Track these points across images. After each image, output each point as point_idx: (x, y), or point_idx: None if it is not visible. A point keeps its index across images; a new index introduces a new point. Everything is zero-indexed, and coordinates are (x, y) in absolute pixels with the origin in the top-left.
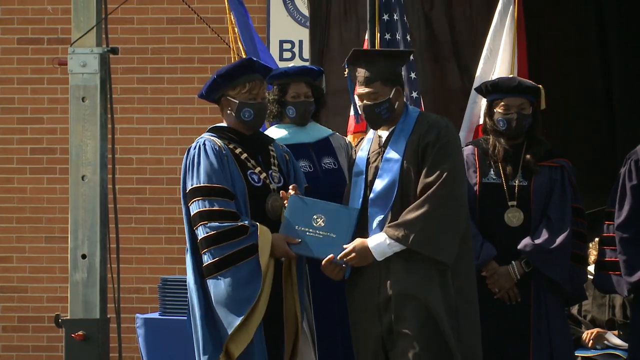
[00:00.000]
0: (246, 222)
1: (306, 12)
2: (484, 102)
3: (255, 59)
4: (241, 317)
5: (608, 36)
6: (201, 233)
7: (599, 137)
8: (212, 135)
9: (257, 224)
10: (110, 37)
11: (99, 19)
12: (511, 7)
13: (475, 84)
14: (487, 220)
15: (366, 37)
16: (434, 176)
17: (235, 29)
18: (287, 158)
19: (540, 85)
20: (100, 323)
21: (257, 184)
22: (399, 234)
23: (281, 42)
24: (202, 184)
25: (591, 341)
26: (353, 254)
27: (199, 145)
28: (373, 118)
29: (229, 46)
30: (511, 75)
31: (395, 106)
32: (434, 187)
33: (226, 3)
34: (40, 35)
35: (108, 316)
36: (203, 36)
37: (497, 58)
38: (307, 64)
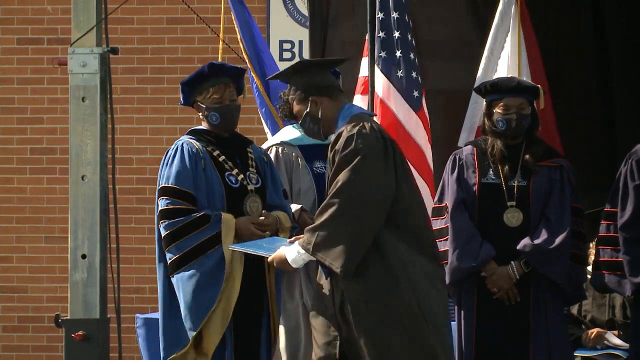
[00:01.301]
0: (208, 212)
1: (306, 12)
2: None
3: (217, 63)
4: (205, 317)
5: (607, 34)
6: (163, 230)
7: (598, 137)
8: (190, 138)
9: (221, 212)
10: (110, 37)
11: (99, 19)
12: (513, 6)
13: (476, 84)
14: (486, 220)
15: (367, 37)
16: (333, 185)
17: (237, 30)
18: (265, 160)
19: (539, 85)
20: (100, 323)
21: (234, 185)
22: (303, 242)
23: (281, 42)
24: (170, 185)
25: (591, 341)
26: (274, 263)
27: (177, 147)
28: (309, 133)
29: (229, 46)
30: (510, 75)
31: (319, 116)
32: (329, 196)
33: (223, 3)
34: (40, 35)
35: (108, 316)
36: (203, 36)
37: (499, 59)
38: None
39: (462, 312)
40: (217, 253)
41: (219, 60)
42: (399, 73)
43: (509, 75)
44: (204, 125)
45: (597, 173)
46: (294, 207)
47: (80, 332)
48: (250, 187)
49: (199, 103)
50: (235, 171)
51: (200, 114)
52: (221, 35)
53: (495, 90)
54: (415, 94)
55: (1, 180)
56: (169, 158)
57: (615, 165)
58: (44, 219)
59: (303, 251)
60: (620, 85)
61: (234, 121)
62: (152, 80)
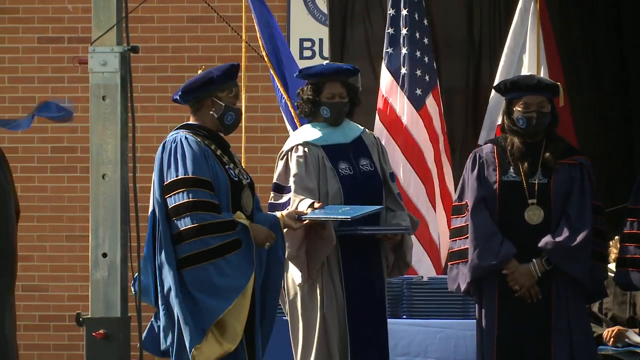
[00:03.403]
0: (234, 218)
1: (326, 11)
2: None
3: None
4: (229, 305)
5: (624, 28)
6: (189, 223)
7: (614, 134)
8: (188, 132)
9: (239, 220)
10: (131, 36)
11: (119, 18)
12: (532, 4)
13: (496, 83)
14: (507, 218)
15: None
16: None
17: (256, 28)
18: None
19: (559, 83)
20: (121, 322)
21: (235, 178)
22: None
23: (301, 41)
24: (189, 175)
25: (612, 339)
26: None
27: (180, 139)
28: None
29: (249, 45)
30: (530, 73)
31: None
32: None
33: (244, 2)
34: (61, 34)
35: (129, 315)
36: (223, 35)
37: (518, 57)
38: (327, 62)
39: (483, 310)
40: (240, 253)
41: (243, 58)
42: (403, 70)
43: (529, 74)
44: (199, 122)
45: (612, 169)
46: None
47: (101, 331)
48: (245, 181)
49: (216, 100)
50: (232, 165)
51: (212, 110)
52: (243, 35)
53: (515, 88)
54: (419, 92)
55: (22, 179)
56: (173, 151)
57: (632, 164)
58: (65, 217)
59: None
60: (636, 80)
61: (239, 124)
62: (173, 79)
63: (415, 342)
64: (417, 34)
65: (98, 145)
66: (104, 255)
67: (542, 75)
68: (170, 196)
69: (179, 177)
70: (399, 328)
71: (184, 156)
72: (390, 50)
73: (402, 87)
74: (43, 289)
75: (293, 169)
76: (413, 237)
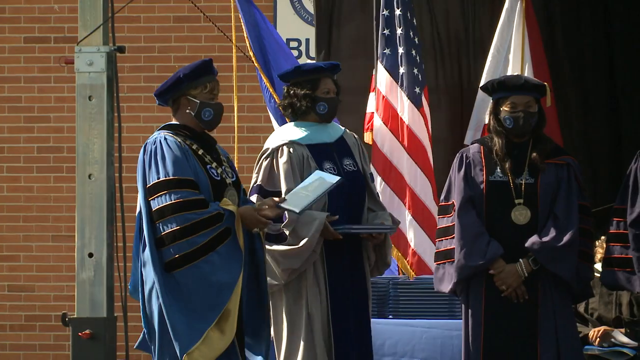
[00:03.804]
0: (220, 209)
1: (313, 11)
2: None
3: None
4: (225, 304)
5: (612, 32)
6: (173, 225)
7: (603, 134)
8: (169, 132)
9: (227, 208)
10: (117, 36)
11: (106, 18)
12: (518, 4)
13: (482, 82)
14: (493, 218)
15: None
16: None
17: (244, 29)
18: (230, 159)
19: (546, 83)
20: (107, 322)
21: (216, 177)
22: None
23: (288, 41)
24: (170, 177)
25: (598, 339)
26: None
27: (159, 140)
28: None
29: (233, 43)
30: (517, 73)
31: None
32: None
33: (232, 2)
34: (47, 34)
35: (115, 315)
36: (210, 34)
37: (504, 57)
38: (313, 61)
39: (469, 310)
40: (230, 243)
41: (233, 58)
42: (401, 70)
43: (516, 73)
44: (180, 121)
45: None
46: (319, 215)
47: (87, 331)
48: (228, 180)
49: (190, 97)
50: (214, 164)
51: (187, 108)
52: (233, 36)
53: (503, 88)
54: (417, 90)
55: (8, 179)
56: (154, 153)
57: (621, 165)
58: (51, 217)
59: None
60: (624, 80)
61: (220, 120)
62: (159, 78)
63: (401, 342)
64: (411, 33)
65: (84, 145)
66: (90, 255)
67: (526, 74)
68: (154, 198)
69: (161, 179)
70: (385, 328)
71: (163, 158)
72: (387, 51)
73: (401, 86)
74: (29, 289)
75: (283, 184)
76: (422, 233)
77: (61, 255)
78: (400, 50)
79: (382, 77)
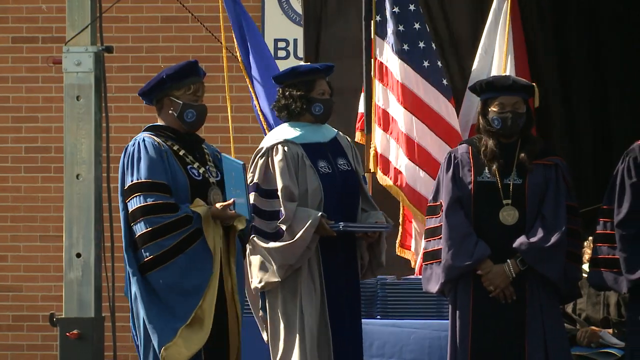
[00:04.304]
0: (189, 211)
1: (301, 11)
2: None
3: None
4: (197, 304)
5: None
6: (143, 228)
7: (588, 134)
8: (149, 134)
9: (196, 210)
10: (105, 36)
11: (94, 18)
12: (505, 4)
13: (470, 82)
14: (481, 219)
15: (372, 37)
16: None
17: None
18: (218, 157)
19: (534, 84)
20: (94, 322)
21: (197, 177)
22: None
23: (276, 41)
24: (142, 180)
25: (586, 340)
26: None
27: (138, 142)
28: None
29: (222, 44)
30: (505, 74)
31: None
32: None
33: (220, 3)
34: (35, 34)
35: (103, 315)
36: (198, 35)
37: (491, 57)
38: (302, 62)
39: (457, 311)
40: (199, 244)
41: (223, 59)
42: (426, 63)
43: (504, 74)
44: (164, 122)
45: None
46: (313, 213)
47: (74, 331)
48: (212, 179)
49: (173, 98)
50: (196, 165)
51: (170, 109)
52: (222, 36)
53: (491, 88)
54: (445, 82)
55: None
56: (132, 155)
57: (611, 165)
58: (39, 217)
59: None
60: (614, 81)
61: (203, 122)
62: (147, 79)
63: (389, 343)
64: (427, 28)
65: (72, 145)
66: (78, 255)
67: (508, 72)
68: (129, 200)
69: (134, 182)
70: (373, 328)
71: (139, 160)
72: (406, 46)
73: (429, 80)
74: (17, 289)
75: (279, 182)
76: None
77: (49, 256)
78: (421, 44)
79: (408, 74)
